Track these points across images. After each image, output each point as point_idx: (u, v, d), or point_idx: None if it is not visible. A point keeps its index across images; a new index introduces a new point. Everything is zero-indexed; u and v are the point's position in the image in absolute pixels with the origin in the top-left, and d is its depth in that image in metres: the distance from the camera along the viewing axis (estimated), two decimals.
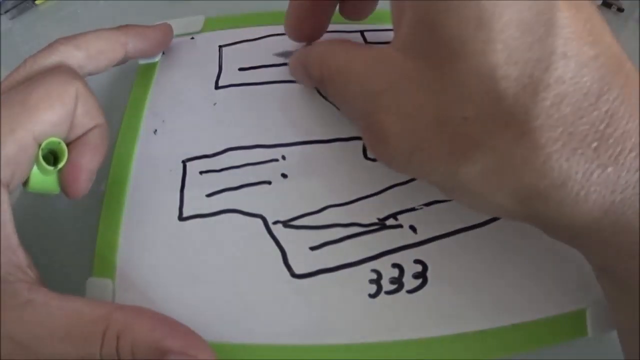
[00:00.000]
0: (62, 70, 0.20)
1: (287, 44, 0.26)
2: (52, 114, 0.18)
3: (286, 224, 0.21)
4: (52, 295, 0.16)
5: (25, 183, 0.19)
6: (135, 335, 0.16)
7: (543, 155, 0.13)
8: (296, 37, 0.23)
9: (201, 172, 0.23)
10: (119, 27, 0.23)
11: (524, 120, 0.13)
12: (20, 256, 0.17)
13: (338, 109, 0.21)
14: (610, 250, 0.15)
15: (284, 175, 0.23)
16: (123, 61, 0.24)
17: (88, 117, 0.20)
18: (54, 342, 0.15)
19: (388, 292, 0.20)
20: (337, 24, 0.27)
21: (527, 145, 0.13)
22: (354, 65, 0.17)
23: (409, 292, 0.20)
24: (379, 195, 0.22)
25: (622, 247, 0.15)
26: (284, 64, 0.25)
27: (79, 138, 0.20)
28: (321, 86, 0.20)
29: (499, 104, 0.13)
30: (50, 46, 0.20)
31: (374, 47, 0.17)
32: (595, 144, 0.13)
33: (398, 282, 0.20)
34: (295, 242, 0.21)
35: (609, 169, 0.14)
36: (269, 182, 0.22)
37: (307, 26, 0.22)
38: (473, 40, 0.13)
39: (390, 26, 0.27)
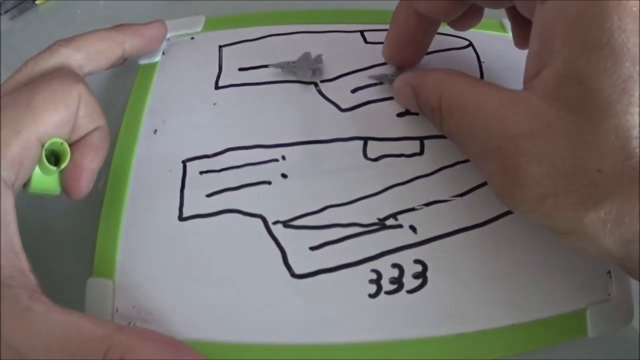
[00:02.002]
0: (65, 73, 0.20)
1: (288, 45, 0.27)
2: (55, 116, 0.18)
3: (286, 224, 0.21)
4: (51, 305, 0.16)
5: (26, 184, 0.19)
6: (140, 358, 0.16)
7: None
8: (397, 62, 0.24)
9: (201, 172, 0.23)
10: (115, 27, 0.23)
11: None
12: (22, 260, 0.17)
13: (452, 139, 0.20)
14: None
15: (284, 175, 0.23)
16: (121, 60, 0.24)
17: (90, 119, 0.20)
18: (50, 354, 0.15)
19: (388, 292, 0.20)
20: (337, 24, 0.27)
21: None
22: (485, 104, 0.17)
23: (409, 292, 0.20)
24: (379, 195, 0.22)
25: None
26: (288, 64, 0.25)
27: (80, 139, 0.20)
28: (434, 114, 0.20)
29: (629, 161, 0.15)
30: (51, 48, 0.21)
31: (503, 88, 0.17)
32: None
33: (398, 282, 0.20)
34: (295, 242, 0.21)
35: None
36: (269, 182, 0.22)
37: (410, 51, 0.23)
38: (618, 102, 0.14)
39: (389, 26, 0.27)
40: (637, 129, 0.15)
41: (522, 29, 0.22)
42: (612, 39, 0.14)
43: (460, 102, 0.18)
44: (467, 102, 0.18)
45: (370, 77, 0.25)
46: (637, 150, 0.15)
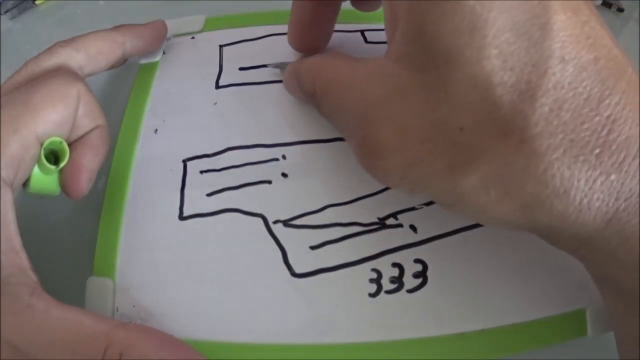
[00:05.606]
0: (64, 72, 0.20)
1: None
2: (54, 114, 0.18)
3: (286, 223, 0.21)
4: (53, 302, 0.16)
5: (25, 184, 0.19)
6: (140, 355, 0.16)
7: (544, 163, 0.13)
8: (300, 48, 0.23)
9: (201, 172, 0.23)
10: (116, 28, 0.23)
11: (523, 128, 0.13)
12: (23, 258, 0.17)
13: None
14: (613, 259, 0.15)
15: (284, 175, 0.23)
16: (121, 61, 0.24)
17: (89, 117, 0.20)
18: (52, 351, 0.15)
19: (388, 292, 0.20)
20: (338, 24, 0.27)
21: (526, 153, 0.13)
22: (349, 79, 0.17)
23: (409, 291, 0.20)
24: (379, 195, 0.22)
25: (625, 256, 0.14)
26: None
27: (80, 138, 0.20)
28: (313, 100, 0.19)
29: (496, 112, 0.13)
30: (51, 49, 0.21)
31: (369, 59, 0.17)
32: (597, 151, 0.13)
33: (398, 281, 0.20)
34: (296, 241, 0.21)
35: (612, 177, 0.13)
36: (269, 182, 0.22)
37: (310, 36, 0.22)
38: (467, 48, 0.13)
39: None
40: (500, 74, 0.13)
41: None
42: None
43: (333, 82, 0.17)
44: (338, 81, 0.17)
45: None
46: (505, 98, 0.13)
